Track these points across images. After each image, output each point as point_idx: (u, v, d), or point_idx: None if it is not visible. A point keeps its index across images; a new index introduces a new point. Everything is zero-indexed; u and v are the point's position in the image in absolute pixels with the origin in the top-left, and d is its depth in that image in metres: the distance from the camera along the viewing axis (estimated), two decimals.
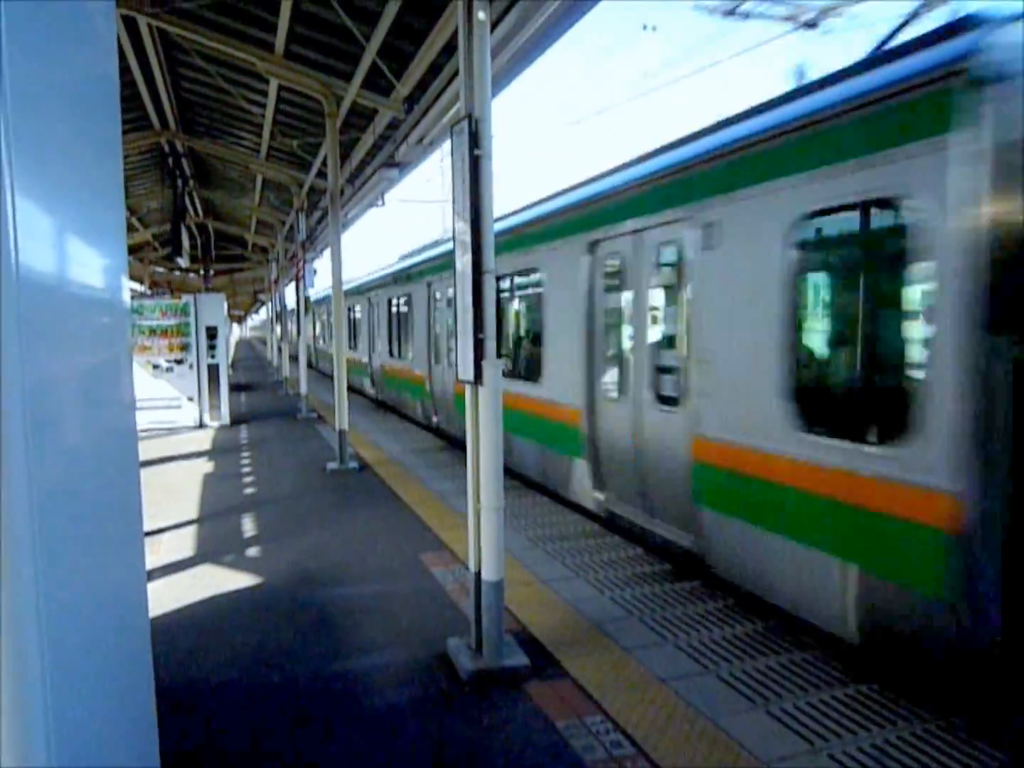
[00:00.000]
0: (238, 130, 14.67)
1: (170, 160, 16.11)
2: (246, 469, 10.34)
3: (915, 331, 3.91)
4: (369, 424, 14.44)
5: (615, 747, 3.40)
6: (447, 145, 9.96)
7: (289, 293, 25.70)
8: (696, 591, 5.27)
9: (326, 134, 10.49)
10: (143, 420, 13.52)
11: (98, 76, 1.99)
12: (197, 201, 22.62)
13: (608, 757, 3.32)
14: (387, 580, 5.69)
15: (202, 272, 29.11)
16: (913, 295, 3.94)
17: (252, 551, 6.54)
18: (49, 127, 1.52)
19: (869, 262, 4.26)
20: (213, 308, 14.92)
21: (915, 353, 3.92)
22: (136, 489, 2.15)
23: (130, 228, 22.60)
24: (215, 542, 6.81)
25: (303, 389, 16.33)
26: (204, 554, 6.45)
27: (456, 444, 11.22)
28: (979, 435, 3.42)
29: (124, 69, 10.88)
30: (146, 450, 11.55)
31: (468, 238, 4.10)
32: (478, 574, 4.23)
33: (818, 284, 4.72)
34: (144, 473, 2.28)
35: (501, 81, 7.03)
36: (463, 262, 4.20)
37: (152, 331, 14.40)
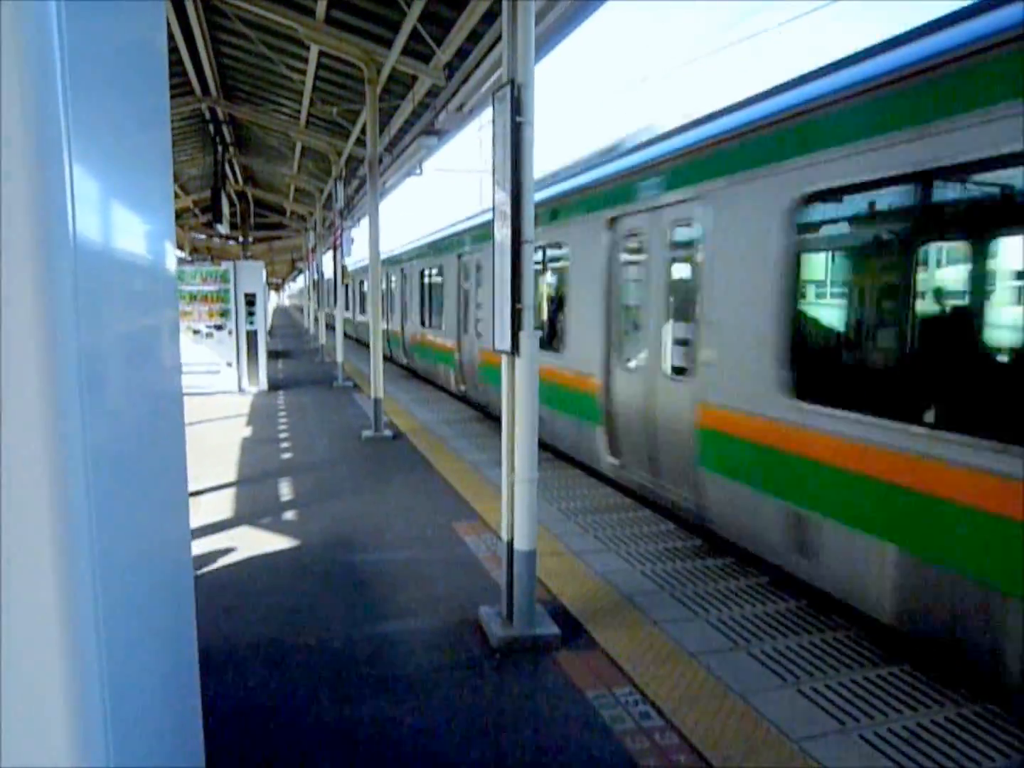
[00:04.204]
0: (278, 97, 14.69)
1: (211, 126, 16.21)
2: (283, 435, 10.49)
3: None
4: (402, 393, 14.54)
5: (644, 718, 3.42)
6: (487, 113, 9.88)
7: (327, 262, 25.80)
8: (728, 567, 5.26)
9: (366, 101, 10.45)
10: (183, 384, 13.72)
11: (147, 44, 2.00)
12: (237, 168, 22.79)
13: (637, 728, 3.35)
14: (420, 547, 5.76)
15: (241, 239, 29.36)
16: None
17: (289, 515, 6.65)
18: (101, 95, 1.53)
19: None
20: (252, 275, 15.06)
21: None
22: (182, 451, 2.19)
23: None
24: (253, 505, 6.94)
25: (339, 357, 16.47)
26: (242, 516, 6.58)
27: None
28: None
29: (167, 35, 10.93)
30: (186, 414, 11.73)
31: (508, 208, 4.07)
32: (511, 543, 4.26)
33: None
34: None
35: (545, 46, 6.93)
36: (502, 233, 4.17)
37: (192, 297, 14.59)
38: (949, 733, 3.30)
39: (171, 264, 2.13)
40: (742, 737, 3.26)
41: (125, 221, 1.71)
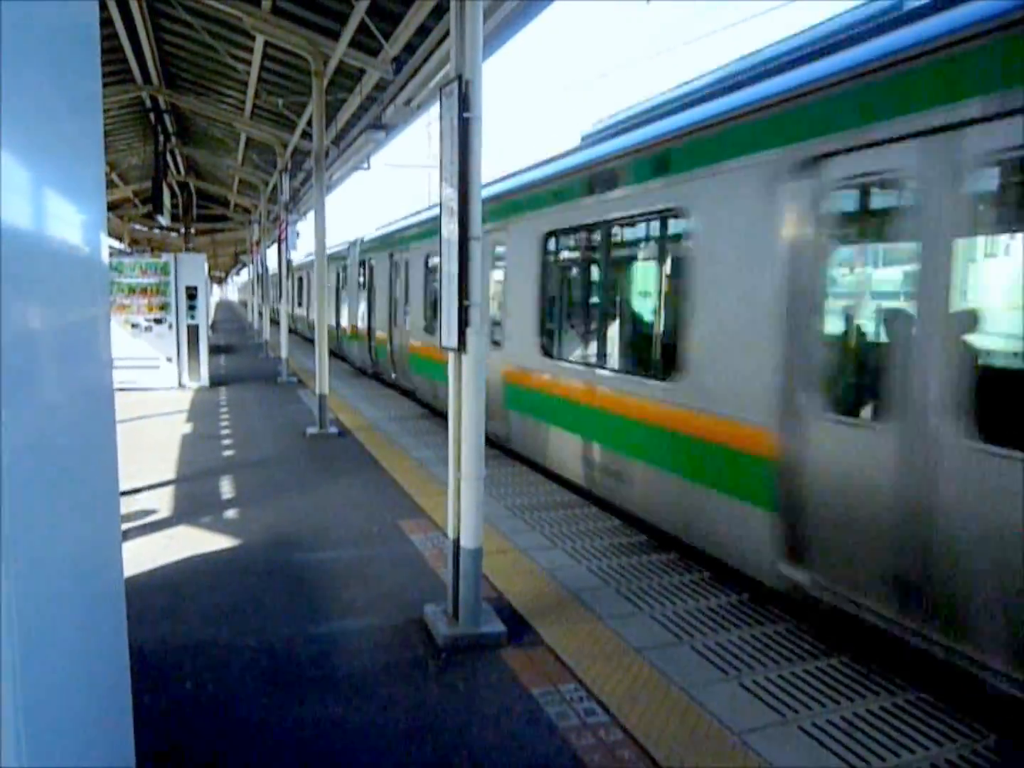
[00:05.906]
0: (222, 87, 14.38)
1: (152, 115, 15.78)
2: (225, 431, 10.27)
3: None
4: (349, 390, 14.38)
5: (589, 715, 3.44)
6: (435, 109, 9.82)
7: (272, 255, 25.31)
8: (672, 563, 5.32)
9: (312, 94, 10.29)
10: (120, 380, 13.36)
11: (79, 26, 1.92)
12: (179, 158, 22.26)
13: (581, 724, 3.36)
14: (365, 545, 5.70)
15: (183, 231, 28.68)
16: None
17: (230, 513, 6.51)
18: (27, 78, 1.46)
19: None
20: (194, 268, 14.71)
21: None
22: (112, 448, 2.11)
23: (110, 184, 22.19)
24: (192, 503, 6.77)
25: (284, 353, 16.21)
26: (181, 515, 6.41)
27: None
28: None
29: (106, 20, 10.60)
30: (123, 410, 11.42)
31: (455, 204, 4.04)
32: (457, 541, 4.24)
33: None
34: (121, 433, 2.25)
35: (493, 42, 6.92)
36: (449, 229, 4.14)
37: (131, 290, 14.19)
38: (885, 722, 3.39)
39: (104, 255, 2.05)
40: (685, 731, 3.30)
41: (53, 209, 1.64)
